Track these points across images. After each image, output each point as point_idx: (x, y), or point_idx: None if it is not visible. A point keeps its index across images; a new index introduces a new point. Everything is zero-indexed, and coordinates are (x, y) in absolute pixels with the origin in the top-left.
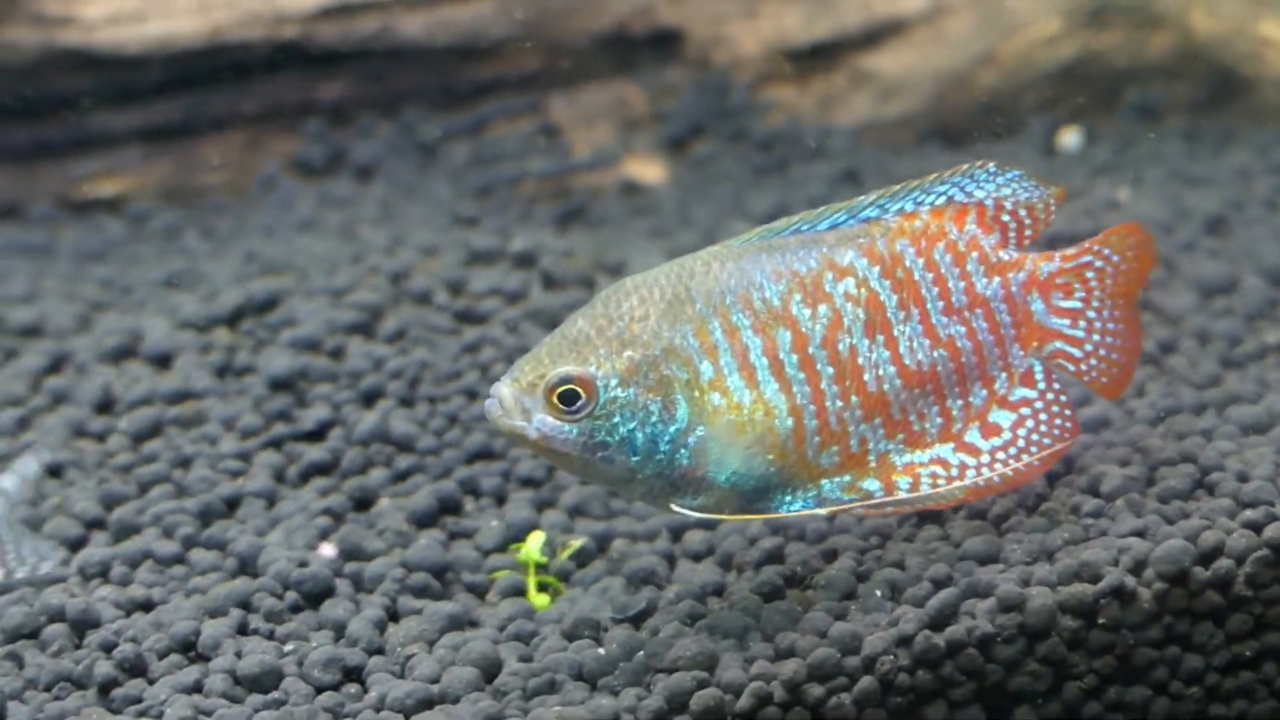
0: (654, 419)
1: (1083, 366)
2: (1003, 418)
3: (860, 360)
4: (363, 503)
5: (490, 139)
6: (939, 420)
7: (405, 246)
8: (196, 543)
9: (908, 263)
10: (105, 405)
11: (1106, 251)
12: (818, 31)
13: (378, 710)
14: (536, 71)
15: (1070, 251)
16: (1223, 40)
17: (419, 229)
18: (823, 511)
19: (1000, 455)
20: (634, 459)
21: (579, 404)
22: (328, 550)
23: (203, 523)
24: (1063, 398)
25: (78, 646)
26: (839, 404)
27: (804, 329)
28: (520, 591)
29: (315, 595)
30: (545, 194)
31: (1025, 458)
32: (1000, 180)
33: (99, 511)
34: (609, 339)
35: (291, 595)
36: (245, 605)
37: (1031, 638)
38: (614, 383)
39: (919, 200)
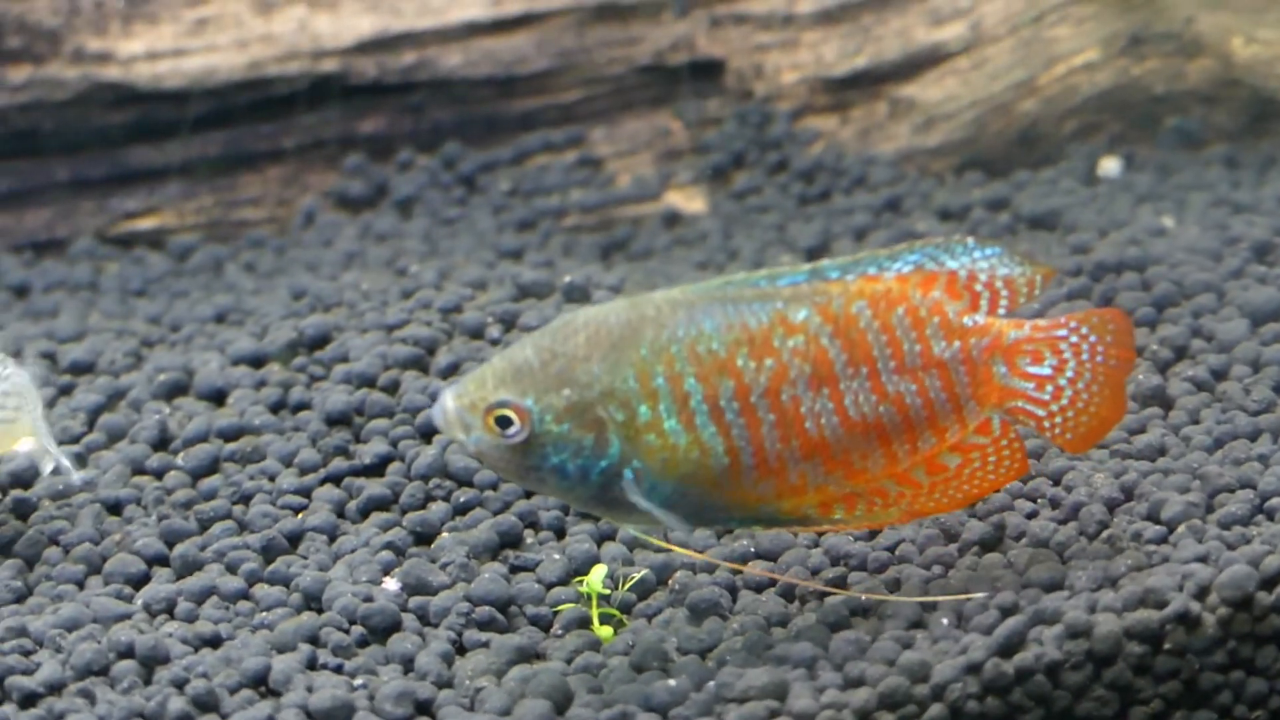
0: (586, 452)
1: (1045, 424)
2: (951, 460)
3: (803, 410)
4: (424, 537)
5: (531, 171)
6: (882, 461)
7: (454, 281)
8: (260, 578)
9: (862, 324)
10: (162, 442)
11: (1084, 330)
12: (857, 61)
13: None
14: (576, 103)
15: (1042, 323)
16: (1263, 66)
17: (465, 262)
18: (759, 530)
19: (940, 487)
20: (566, 483)
21: (513, 429)
22: (391, 585)
23: (266, 558)
24: (1017, 443)
25: (148, 683)
26: (778, 446)
27: (747, 380)
28: (584, 624)
29: (382, 629)
30: (588, 226)
31: (966, 488)
32: (977, 254)
33: (161, 548)
34: (550, 374)
35: (358, 630)
36: (313, 640)
37: (1098, 664)
38: (549, 418)
39: (884, 267)
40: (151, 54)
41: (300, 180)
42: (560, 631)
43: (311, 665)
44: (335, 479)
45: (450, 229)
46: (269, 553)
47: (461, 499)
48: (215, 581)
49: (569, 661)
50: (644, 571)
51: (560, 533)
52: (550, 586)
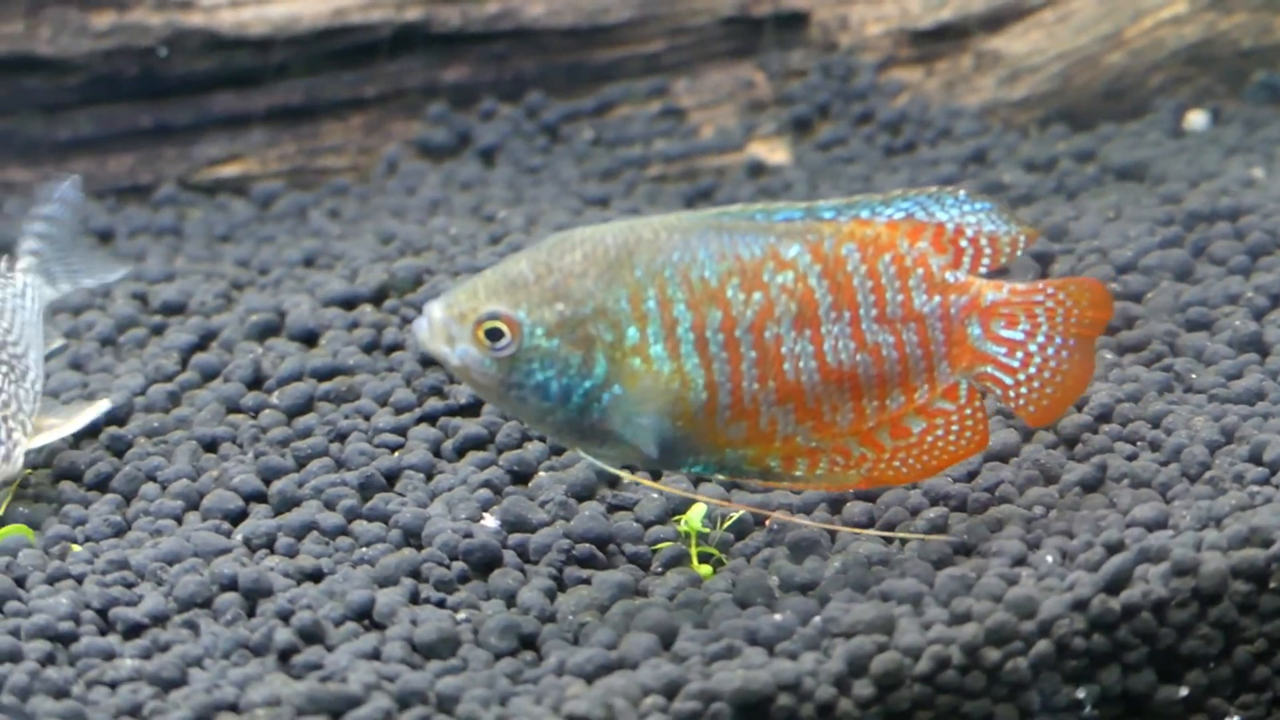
0: (572, 371)
1: (1011, 394)
2: (915, 424)
3: (783, 350)
4: (521, 476)
5: (614, 121)
6: (850, 416)
7: (541, 226)
8: (359, 514)
9: (849, 267)
10: (256, 381)
11: (1061, 296)
12: (942, 14)
13: (559, 675)
14: (659, 54)
15: (1021, 287)
16: None
17: (551, 209)
18: (721, 477)
19: (901, 454)
20: (546, 403)
21: (502, 342)
22: (491, 521)
23: (364, 495)
24: (981, 414)
25: (251, 615)
26: (755, 386)
27: (735, 312)
28: (683, 562)
29: (483, 565)
30: (671, 175)
31: (925, 459)
32: (967, 208)
33: (258, 485)
34: (545, 288)
35: (459, 565)
36: (415, 575)
37: (1204, 602)
38: (540, 331)
39: (877, 211)
40: (235, 1)
41: (383, 129)
42: (660, 569)
43: (414, 599)
44: (430, 418)
45: (534, 178)
46: (367, 490)
47: None
48: (314, 517)
49: (671, 598)
50: (741, 510)
51: (657, 473)
52: (648, 525)
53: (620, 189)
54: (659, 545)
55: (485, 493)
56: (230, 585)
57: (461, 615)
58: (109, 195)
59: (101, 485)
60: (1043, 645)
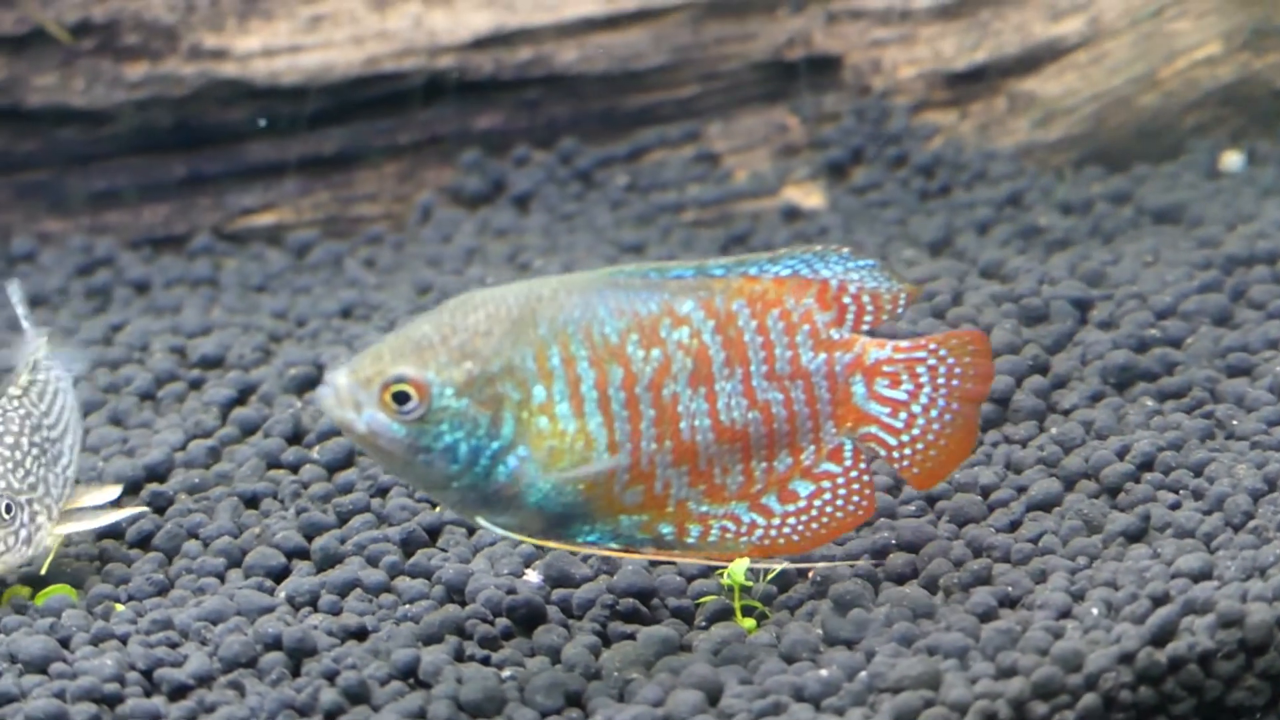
0: (480, 432)
1: (895, 455)
2: (802, 487)
3: (680, 408)
4: None
5: (648, 166)
6: (740, 478)
7: (579, 272)
8: (402, 571)
9: (740, 323)
10: (296, 436)
11: (943, 353)
12: (976, 56)
13: None
14: (692, 99)
15: (904, 344)
16: None
17: (587, 257)
18: (614, 549)
19: (791, 520)
20: (453, 467)
21: (410, 406)
22: (533, 577)
23: (406, 551)
24: (865, 477)
25: (296, 674)
26: (653, 446)
27: (635, 369)
28: (727, 616)
29: (527, 621)
30: (706, 220)
31: (814, 526)
32: (850, 265)
33: (300, 541)
34: (451, 348)
35: (503, 622)
36: (459, 632)
37: (1251, 653)
38: (449, 392)
39: (765, 269)
40: (268, 51)
41: (416, 176)
42: (704, 623)
43: (459, 657)
44: None
45: (568, 224)
46: (409, 545)
47: None
48: (357, 574)
49: (716, 653)
50: (784, 563)
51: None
52: (691, 579)
53: (655, 234)
54: (702, 599)
55: (526, 548)
56: (275, 645)
57: (506, 673)
58: (144, 246)
59: (143, 543)
60: (1089, 699)
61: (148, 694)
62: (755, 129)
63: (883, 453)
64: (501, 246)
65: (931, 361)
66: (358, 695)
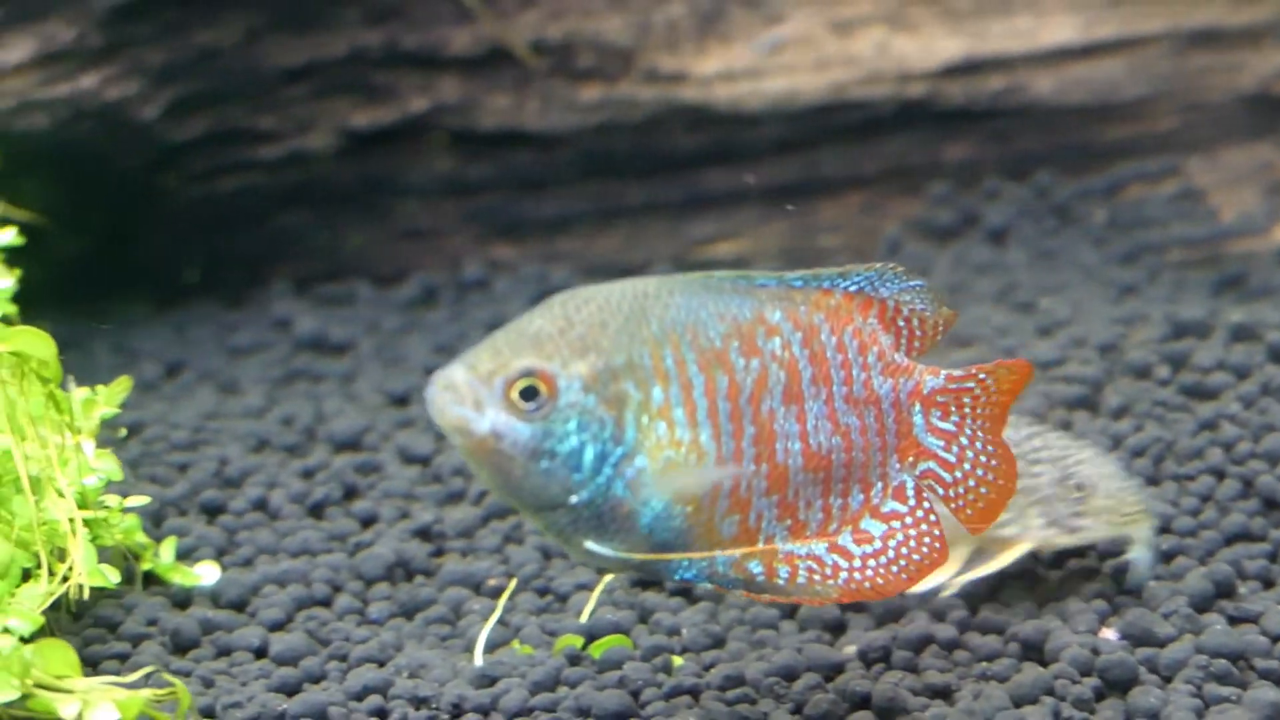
0: (605, 435)
1: (951, 492)
2: (873, 526)
3: (775, 427)
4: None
5: (1127, 202)
6: (820, 515)
7: (1086, 313)
8: (970, 626)
9: (822, 338)
10: None
11: (989, 382)
12: None
13: None
14: (1172, 132)
15: (956, 373)
16: None
17: (1088, 299)
18: (708, 587)
19: (871, 563)
20: (576, 476)
21: (538, 401)
22: (1110, 634)
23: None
24: (933, 517)
25: None
26: (751, 468)
27: (738, 378)
28: None
29: (1120, 683)
30: (1193, 261)
31: (894, 569)
32: (902, 285)
33: None
34: (571, 340)
35: (1092, 681)
36: (1050, 692)
37: None
38: (577, 385)
39: (836, 283)
40: (728, 75)
41: (881, 207)
42: None
43: (1056, 717)
44: None
45: (1051, 262)
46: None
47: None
48: (928, 629)
49: None
50: None
51: (1269, 583)
52: (1276, 639)
53: (1143, 275)
54: None
55: (1099, 604)
56: (862, 704)
57: None
58: (598, 274)
59: (685, 590)
60: None
61: None
62: (1240, 165)
63: (940, 491)
64: (986, 283)
65: (977, 391)
66: None
